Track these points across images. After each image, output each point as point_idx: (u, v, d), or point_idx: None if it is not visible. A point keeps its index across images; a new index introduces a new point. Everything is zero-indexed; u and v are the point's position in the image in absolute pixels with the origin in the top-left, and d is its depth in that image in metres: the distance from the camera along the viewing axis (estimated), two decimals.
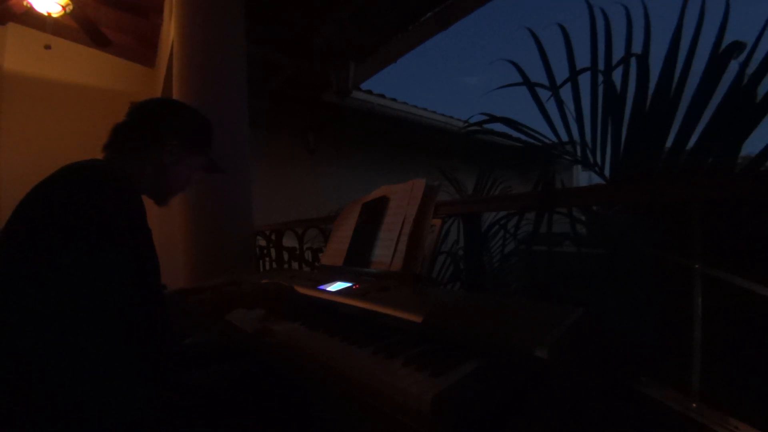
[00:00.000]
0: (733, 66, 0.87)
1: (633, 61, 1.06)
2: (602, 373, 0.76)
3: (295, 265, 2.15)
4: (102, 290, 0.60)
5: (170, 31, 2.51)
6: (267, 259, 2.39)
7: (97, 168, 0.71)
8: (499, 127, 1.33)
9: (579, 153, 1.23)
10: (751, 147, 0.85)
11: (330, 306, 0.88)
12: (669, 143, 0.97)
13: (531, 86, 1.25)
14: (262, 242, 2.40)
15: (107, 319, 0.60)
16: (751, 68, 0.85)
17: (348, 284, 0.95)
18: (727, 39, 0.90)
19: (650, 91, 1.00)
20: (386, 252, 1.01)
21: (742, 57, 0.87)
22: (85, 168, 0.70)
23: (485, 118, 1.34)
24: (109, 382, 0.61)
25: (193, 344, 0.97)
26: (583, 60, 1.17)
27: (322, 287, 0.96)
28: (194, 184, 1.01)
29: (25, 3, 2.60)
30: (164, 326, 0.66)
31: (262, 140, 4.16)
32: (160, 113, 0.92)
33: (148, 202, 0.91)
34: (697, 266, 0.67)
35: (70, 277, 0.60)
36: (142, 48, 3.87)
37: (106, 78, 3.87)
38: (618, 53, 1.13)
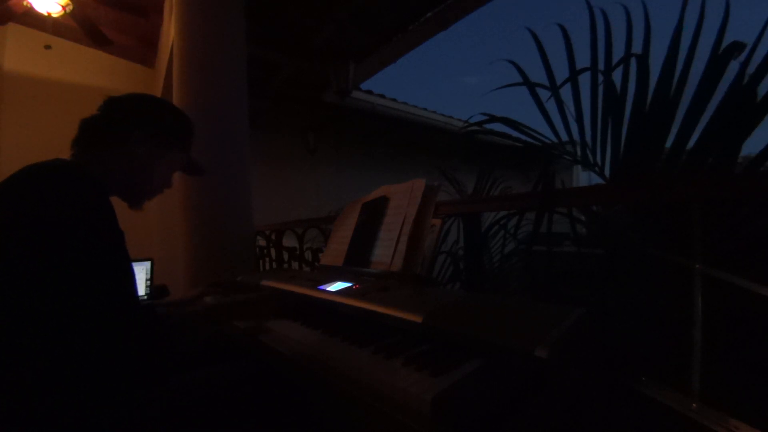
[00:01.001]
0: (733, 66, 0.87)
1: (633, 61, 1.06)
2: (602, 373, 0.76)
3: (295, 265, 2.15)
4: (70, 293, 0.58)
5: (170, 31, 2.51)
6: (267, 259, 2.39)
7: (59, 168, 0.68)
8: (499, 127, 1.33)
9: (579, 153, 1.23)
10: (751, 147, 0.85)
11: (330, 306, 0.88)
12: (669, 143, 0.97)
13: (531, 86, 1.25)
14: (262, 242, 2.40)
15: (80, 322, 0.58)
16: (751, 68, 0.85)
17: (348, 284, 0.94)
18: (727, 39, 0.90)
19: (650, 91, 1.00)
20: (386, 252, 1.01)
21: (742, 57, 0.87)
22: (46, 169, 0.66)
23: (485, 118, 1.34)
24: (89, 383, 0.60)
25: (192, 344, 0.97)
26: (583, 60, 1.17)
27: (322, 287, 0.96)
28: (170, 186, 0.94)
29: (25, 3, 2.60)
30: (142, 328, 0.64)
31: (262, 140, 4.16)
32: (128, 105, 0.86)
33: (147, 205, 0.91)
34: (697, 266, 0.67)
35: (38, 282, 0.57)
36: (142, 48, 3.87)
37: (106, 78, 3.87)
38: (618, 53, 1.13)
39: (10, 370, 0.57)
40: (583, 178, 6.02)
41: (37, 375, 0.57)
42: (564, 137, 1.25)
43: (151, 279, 2.16)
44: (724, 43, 0.89)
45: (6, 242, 0.59)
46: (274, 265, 2.32)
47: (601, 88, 1.13)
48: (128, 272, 0.66)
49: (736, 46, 0.87)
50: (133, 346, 0.62)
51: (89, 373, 0.60)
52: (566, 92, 1.19)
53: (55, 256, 0.58)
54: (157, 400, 0.68)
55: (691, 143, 0.93)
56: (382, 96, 4.69)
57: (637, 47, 1.08)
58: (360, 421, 0.56)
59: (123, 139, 0.81)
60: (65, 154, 0.77)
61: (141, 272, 2.13)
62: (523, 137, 1.31)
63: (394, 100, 4.84)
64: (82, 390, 0.59)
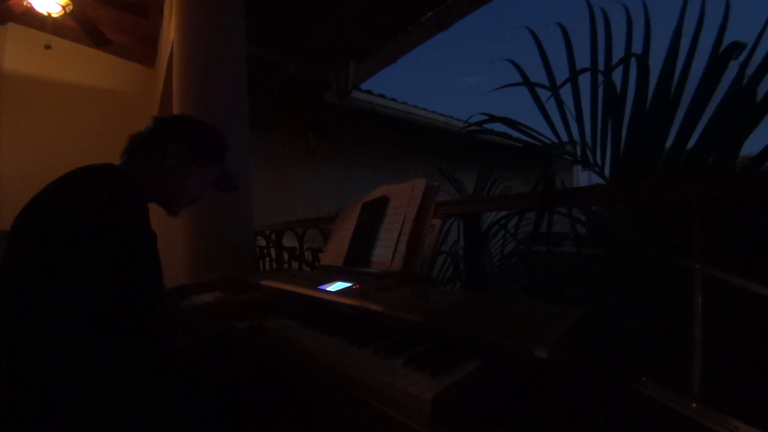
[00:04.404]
0: (733, 66, 0.87)
1: (633, 61, 1.06)
2: (602, 373, 0.76)
3: (295, 265, 2.15)
4: (98, 288, 0.61)
5: (170, 31, 2.51)
6: (267, 259, 2.39)
7: (101, 170, 0.73)
8: (499, 127, 1.33)
9: (579, 153, 1.23)
10: (751, 147, 0.85)
11: (330, 306, 0.88)
12: (669, 143, 0.97)
13: (531, 86, 1.25)
14: (262, 242, 2.40)
15: (101, 319, 0.60)
16: (751, 68, 0.85)
17: (348, 284, 0.94)
18: (727, 39, 0.90)
19: (650, 91, 1.00)
20: (386, 252, 1.01)
21: (742, 57, 0.87)
22: (90, 170, 0.72)
23: (485, 118, 1.35)
24: (106, 380, 0.62)
25: (193, 343, 0.98)
26: (583, 60, 1.17)
27: (322, 287, 0.96)
28: (206, 198, 1.03)
29: (25, 3, 2.60)
30: (160, 327, 0.67)
31: (262, 140, 4.16)
32: (168, 123, 0.97)
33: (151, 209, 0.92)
34: (697, 266, 0.67)
35: (71, 276, 0.60)
36: (142, 48, 3.87)
37: (106, 78, 3.87)
38: (618, 53, 1.13)
39: (23, 364, 0.58)
40: (583, 178, 6.02)
41: (48, 369, 0.58)
42: (564, 137, 1.25)
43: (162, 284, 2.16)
44: (724, 43, 0.89)
45: (42, 238, 0.63)
46: (274, 265, 2.32)
47: (601, 88, 1.13)
48: (150, 271, 0.69)
49: (736, 46, 0.87)
50: (141, 345, 0.64)
51: (99, 368, 0.61)
52: (566, 92, 1.19)
53: (83, 253, 0.61)
54: (156, 398, 0.68)
55: (691, 143, 0.93)
56: (382, 96, 4.69)
57: (637, 47, 1.08)
58: (360, 421, 0.56)
59: (160, 151, 0.91)
60: (65, 153, 0.78)
61: None
62: (523, 137, 1.31)
63: (394, 100, 4.84)
64: (87, 387, 0.60)
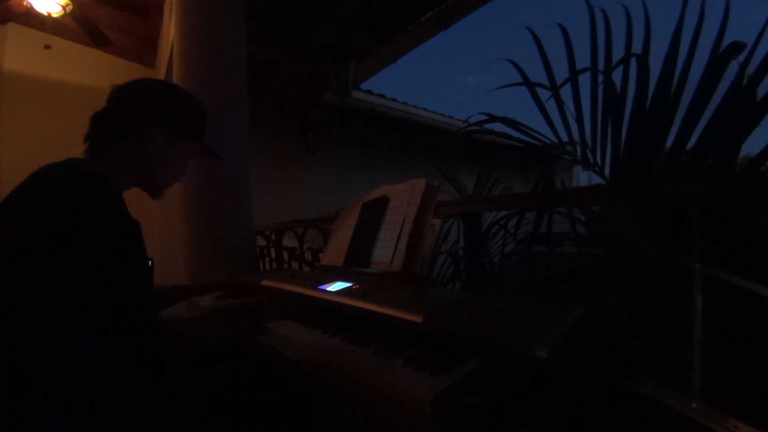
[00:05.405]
0: (733, 66, 0.87)
1: (633, 61, 1.06)
2: (602, 373, 0.76)
3: (295, 265, 2.15)
4: (84, 290, 0.59)
5: (170, 31, 2.51)
6: (267, 259, 2.39)
7: (66, 172, 0.68)
8: (499, 127, 1.33)
9: (579, 153, 1.23)
10: (751, 147, 0.85)
11: (330, 306, 0.88)
12: (669, 143, 0.97)
13: (531, 86, 1.25)
14: (262, 242, 2.40)
15: (91, 318, 0.59)
16: (751, 68, 0.85)
17: (348, 284, 0.94)
18: (727, 39, 0.90)
19: (650, 91, 1.00)
20: (386, 252, 1.01)
21: (742, 57, 0.87)
22: (54, 173, 0.67)
23: (485, 118, 1.35)
24: (95, 381, 0.60)
25: (192, 344, 0.97)
26: (583, 60, 1.17)
27: (322, 287, 0.96)
28: (187, 172, 0.94)
29: (25, 3, 2.60)
30: (155, 324, 0.65)
31: (262, 140, 4.16)
32: (141, 98, 0.83)
33: (147, 205, 0.90)
34: (697, 266, 0.67)
35: (45, 284, 0.58)
36: (142, 48, 3.88)
37: (106, 78, 3.84)
38: (618, 53, 1.13)
39: (14, 369, 0.57)
40: (583, 178, 6.02)
41: (40, 373, 0.57)
42: (564, 137, 1.26)
43: (151, 279, 2.16)
44: (724, 43, 0.90)
45: (16, 248, 0.59)
46: (274, 265, 2.32)
47: (601, 88, 1.13)
48: (134, 273, 0.65)
49: (736, 46, 0.87)
50: (133, 348, 0.62)
51: (93, 371, 0.60)
52: (566, 92, 1.19)
53: (62, 260, 0.58)
54: (156, 399, 0.68)
55: (691, 143, 0.93)
56: (382, 96, 4.69)
57: (637, 47, 1.08)
58: (360, 421, 0.56)
59: (138, 134, 0.80)
60: (65, 153, 0.76)
61: None
62: (523, 137, 1.31)
63: (394, 100, 4.84)
64: (83, 388, 0.59)
